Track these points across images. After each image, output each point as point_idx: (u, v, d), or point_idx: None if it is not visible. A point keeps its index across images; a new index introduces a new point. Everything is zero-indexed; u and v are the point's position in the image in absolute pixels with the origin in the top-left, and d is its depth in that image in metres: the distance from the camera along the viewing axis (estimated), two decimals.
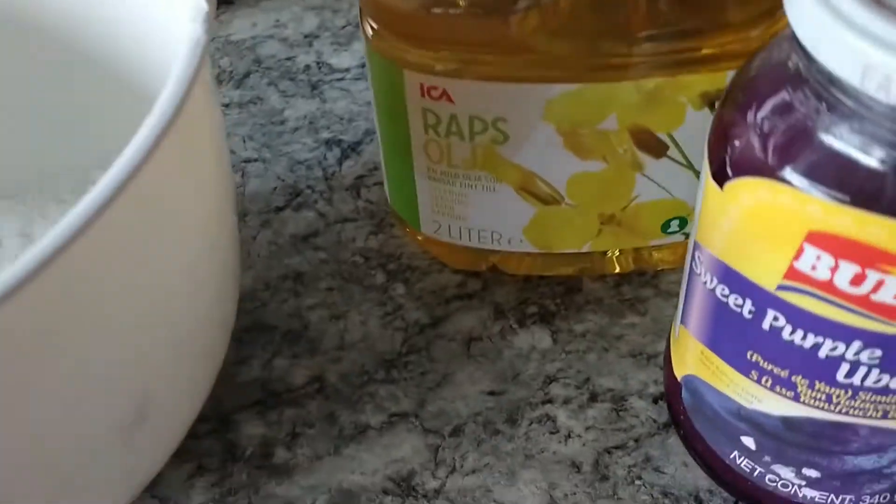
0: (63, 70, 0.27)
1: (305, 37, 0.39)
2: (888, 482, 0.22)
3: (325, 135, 0.35)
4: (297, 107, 0.36)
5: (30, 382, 0.17)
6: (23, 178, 0.29)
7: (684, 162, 0.26)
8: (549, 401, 0.28)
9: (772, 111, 0.17)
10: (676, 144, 0.25)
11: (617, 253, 0.29)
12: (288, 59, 0.38)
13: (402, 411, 0.28)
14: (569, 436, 0.27)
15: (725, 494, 0.25)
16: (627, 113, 0.24)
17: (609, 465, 0.26)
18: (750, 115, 0.18)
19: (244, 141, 0.35)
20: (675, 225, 0.28)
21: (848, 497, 0.22)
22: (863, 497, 0.22)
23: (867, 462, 0.21)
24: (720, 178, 0.18)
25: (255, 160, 0.34)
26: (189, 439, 0.27)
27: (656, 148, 0.25)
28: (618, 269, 0.30)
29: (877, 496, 0.22)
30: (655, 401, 0.27)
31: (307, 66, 0.38)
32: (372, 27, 0.25)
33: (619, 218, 0.27)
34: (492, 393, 0.28)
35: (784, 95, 0.17)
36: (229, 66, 0.38)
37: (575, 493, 0.26)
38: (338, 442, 0.27)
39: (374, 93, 0.27)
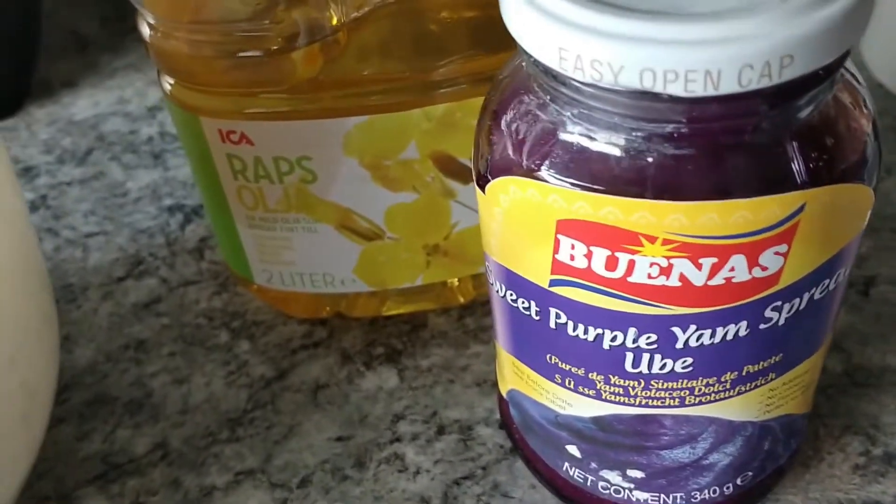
0: None
1: (149, 109, 0.39)
2: (711, 474, 0.22)
3: (168, 202, 0.35)
4: (140, 178, 0.36)
5: None
6: None
7: None
8: (398, 439, 0.27)
9: (513, 110, 0.18)
10: None
11: (456, 282, 0.29)
12: (131, 132, 0.38)
13: (247, 469, 0.27)
14: (417, 472, 0.26)
15: None
16: (425, 140, 0.24)
17: (458, 496, 0.26)
18: (497, 118, 0.18)
19: (85, 216, 0.35)
20: None
21: (678, 495, 0.22)
22: (692, 493, 0.22)
23: (683, 455, 0.21)
24: (482, 183, 0.18)
25: (97, 234, 0.34)
26: None
27: (462, 173, 0.25)
28: (462, 300, 0.30)
29: (706, 491, 0.22)
30: (502, 426, 0.27)
31: (150, 138, 0.38)
32: (168, 82, 0.25)
33: (445, 247, 0.27)
34: (339, 439, 0.27)
35: (522, 94, 0.18)
36: (71, 145, 0.38)
37: None
38: None
39: (184, 148, 0.27)
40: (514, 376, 0.22)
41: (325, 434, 0.27)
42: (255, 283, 0.29)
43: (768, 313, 0.18)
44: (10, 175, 0.24)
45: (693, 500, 0.22)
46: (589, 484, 0.23)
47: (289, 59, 0.23)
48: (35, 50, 0.42)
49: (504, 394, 0.24)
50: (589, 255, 0.17)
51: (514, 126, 0.18)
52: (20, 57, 0.41)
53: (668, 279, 0.17)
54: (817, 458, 0.26)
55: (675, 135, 0.15)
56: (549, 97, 0.17)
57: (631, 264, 0.17)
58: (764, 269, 0.17)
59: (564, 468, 0.23)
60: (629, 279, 0.17)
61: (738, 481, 0.22)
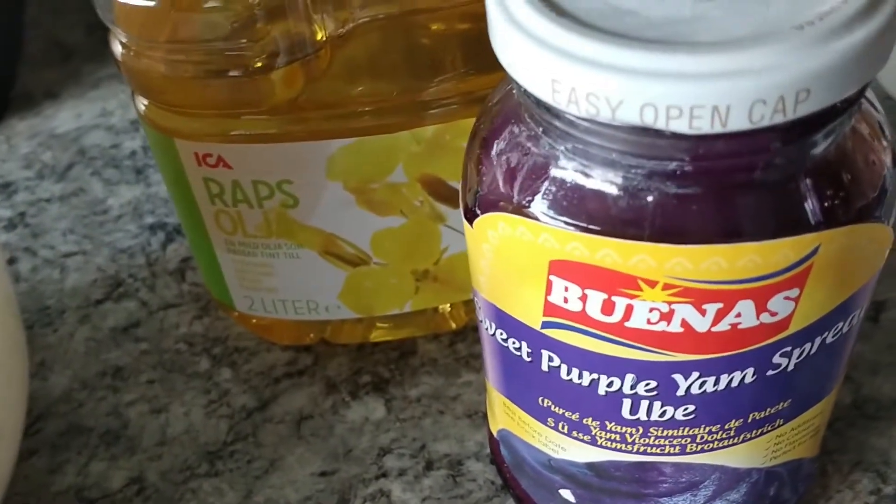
0: None
1: (132, 122, 0.38)
2: None
3: (150, 219, 0.34)
4: (121, 194, 0.35)
5: None
6: None
7: None
8: (384, 474, 0.26)
9: (503, 140, 0.16)
10: None
11: (448, 308, 0.28)
12: (113, 146, 0.37)
13: None
14: None
15: None
16: (414, 163, 0.23)
17: None
18: (486, 147, 0.17)
19: (64, 235, 0.33)
20: None
21: None
22: None
23: (683, 502, 0.20)
24: (469, 217, 0.17)
25: (76, 253, 0.33)
26: None
27: (452, 197, 0.24)
28: (454, 326, 0.29)
29: None
30: (493, 462, 0.26)
31: (133, 152, 0.36)
32: (142, 102, 0.23)
33: (434, 273, 0.26)
34: (323, 474, 0.26)
35: (512, 123, 0.16)
36: (52, 160, 0.37)
37: None
38: None
39: (159, 170, 0.25)
40: (505, 416, 0.21)
41: (308, 469, 0.26)
42: (236, 310, 0.28)
43: (777, 359, 0.17)
44: None
45: None
46: None
47: (267, 80, 0.21)
48: (16, 59, 0.41)
49: (494, 433, 0.23)
50: (584, 298, 0.16)
51: (503, 157, 0.16)
52: (0, 67, 0.40)
53: (668, 325, 0.16)
54: (825, 496, 0.24)
55: (679, 173, 0.14)
56: (541, 129, 0.15)
57: (629, 309, 0.15)
58: (773, 314, 0.16)
59: None
60: (627, 324, 0.16)
61: None
